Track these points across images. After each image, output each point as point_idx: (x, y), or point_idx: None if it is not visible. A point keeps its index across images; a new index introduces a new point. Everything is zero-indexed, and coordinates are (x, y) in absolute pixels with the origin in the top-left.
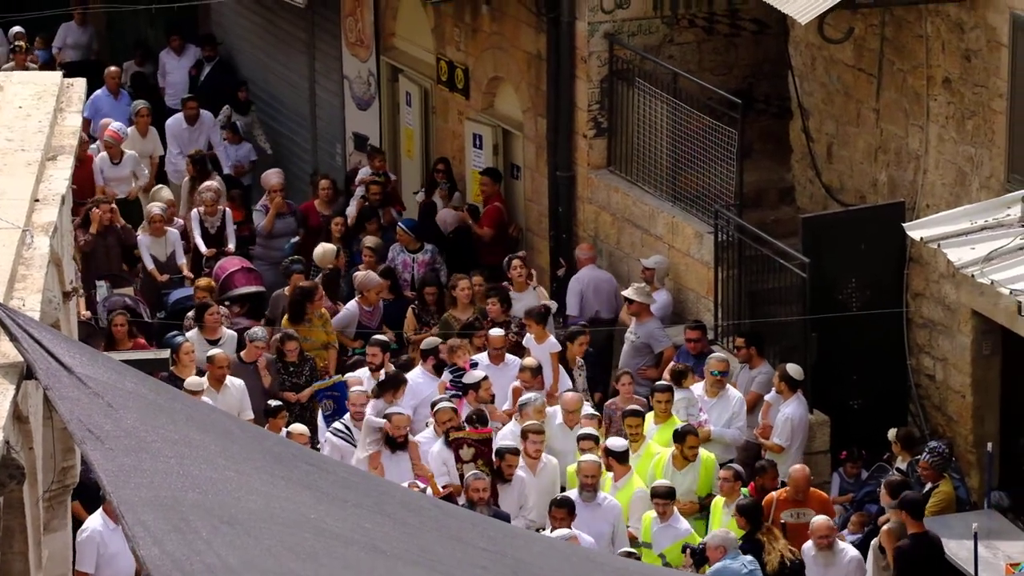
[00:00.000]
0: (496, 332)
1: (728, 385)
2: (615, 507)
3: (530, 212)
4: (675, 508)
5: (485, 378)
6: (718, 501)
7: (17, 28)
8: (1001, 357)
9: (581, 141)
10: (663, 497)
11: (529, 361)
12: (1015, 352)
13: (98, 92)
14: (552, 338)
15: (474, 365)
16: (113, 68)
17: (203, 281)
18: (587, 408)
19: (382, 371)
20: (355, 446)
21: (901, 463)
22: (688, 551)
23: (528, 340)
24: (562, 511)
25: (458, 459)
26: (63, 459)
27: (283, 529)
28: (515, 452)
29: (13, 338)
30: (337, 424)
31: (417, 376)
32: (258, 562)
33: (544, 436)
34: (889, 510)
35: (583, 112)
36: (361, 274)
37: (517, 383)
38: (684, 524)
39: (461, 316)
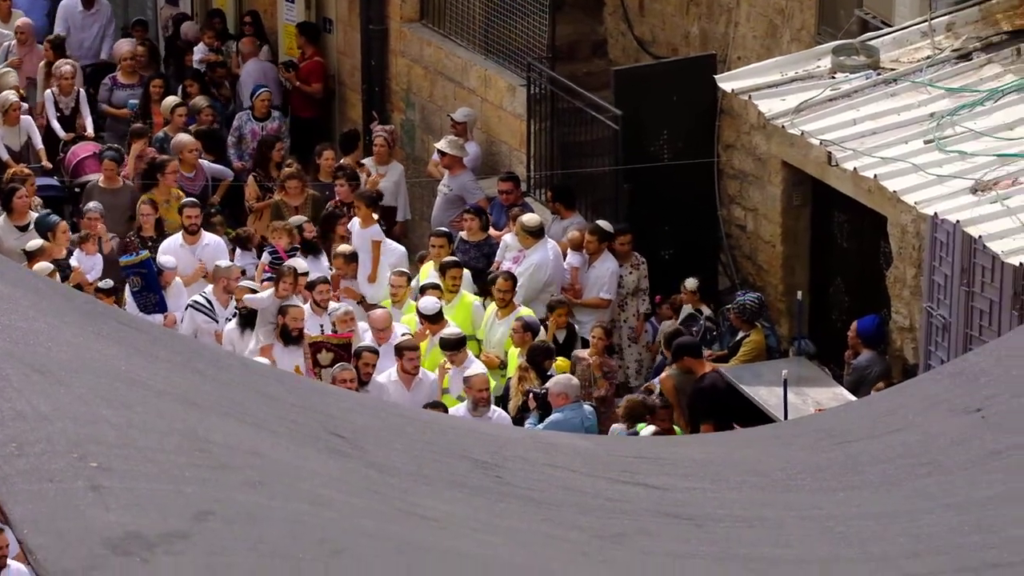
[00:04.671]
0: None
1: (546, 237)
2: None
3: (343, 66)
4: (468, 353)
5: (305, 273)
6: (514, 352)
7: None
8: (811, 208)
9: None
10: (452, 348)
11: (344, 248)
12: (824, 203)
13: None
14: (376, 227)
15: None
16: None
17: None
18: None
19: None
20: (216, 321)
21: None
22: (531, 395)
23: (353, 224)
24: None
25: (316, 364)
26: None
27: (95, 379)
28: (373, 351)
29: None
30: (198, 298)
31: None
32: (70, 409)
33: (420, 351)
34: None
35: None
36: (176, 136)
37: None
38: (477, 365)
39: (292, 203)
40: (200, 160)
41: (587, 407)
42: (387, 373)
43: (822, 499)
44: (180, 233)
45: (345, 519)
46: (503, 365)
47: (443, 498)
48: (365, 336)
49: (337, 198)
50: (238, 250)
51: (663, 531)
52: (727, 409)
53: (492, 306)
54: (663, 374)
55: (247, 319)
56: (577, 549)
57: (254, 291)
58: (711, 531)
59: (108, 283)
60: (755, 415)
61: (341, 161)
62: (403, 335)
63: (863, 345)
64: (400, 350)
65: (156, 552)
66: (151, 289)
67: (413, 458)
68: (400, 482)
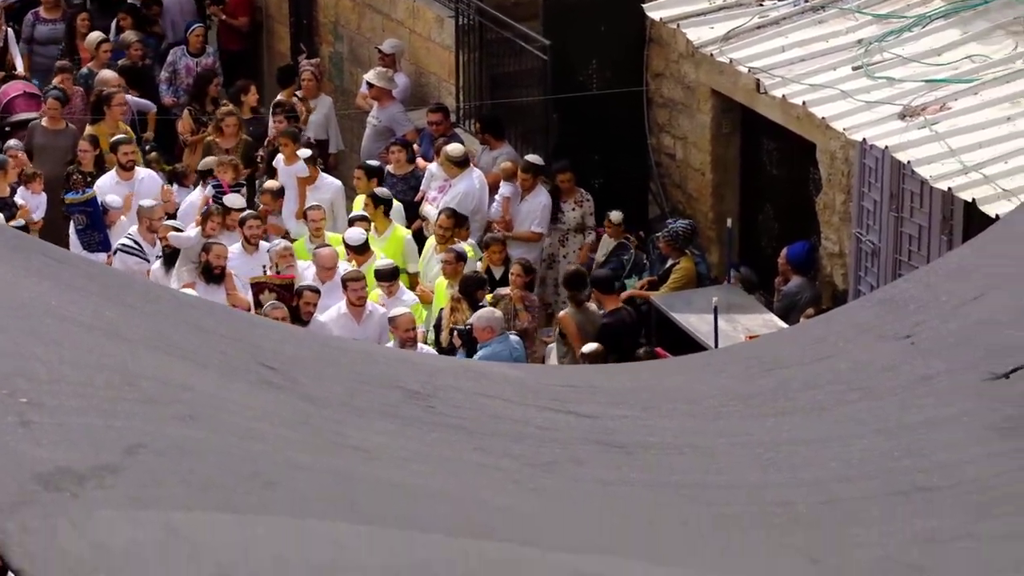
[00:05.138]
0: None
1: (471, 166)
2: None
3: None
4: (400, 284)
5: (241, 209)
6: (441, 282)
7: None
8: (740, 135)
9: None
10: (386, 279)
11: (270, 184)
12: (753, 130)
13: None
14: (302, 162)
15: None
16: None
17: None
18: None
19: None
20: (148, 261)
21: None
22: (456, 333)
23: (277, 160)
24: None
25: (258, 304)
26: None
27: (24, 314)
28: (314, 290)
29: None
30: (125, 240)
31: (195, 197)
32: None
33: (365, 282)
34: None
35: None
36: (99, 72)
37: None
38: (409, 296)
39: (224, 144)
40: (126, 96)
41: (513, 338)
42: (335, 308)
43: (752, 426)
44: (115, 169)
45: (277, 451)
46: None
47: (375, 429)
48: (307, 274)
49: (271, 135)
50: (175, 186)
51: (594, 459)
52: (634, 346)
53: (431, 240)
54: (560, 312)
55: (171, 258)
56: (508, 478)
57: (179, 230)
58: (642, 459)
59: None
60: (686, 343)
61: (278, 97)
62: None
63: (793, 271)
64: (345, 282)
65: (87, 486)
66: (96, 228)
67: (345, 389)
68: (332, 413)
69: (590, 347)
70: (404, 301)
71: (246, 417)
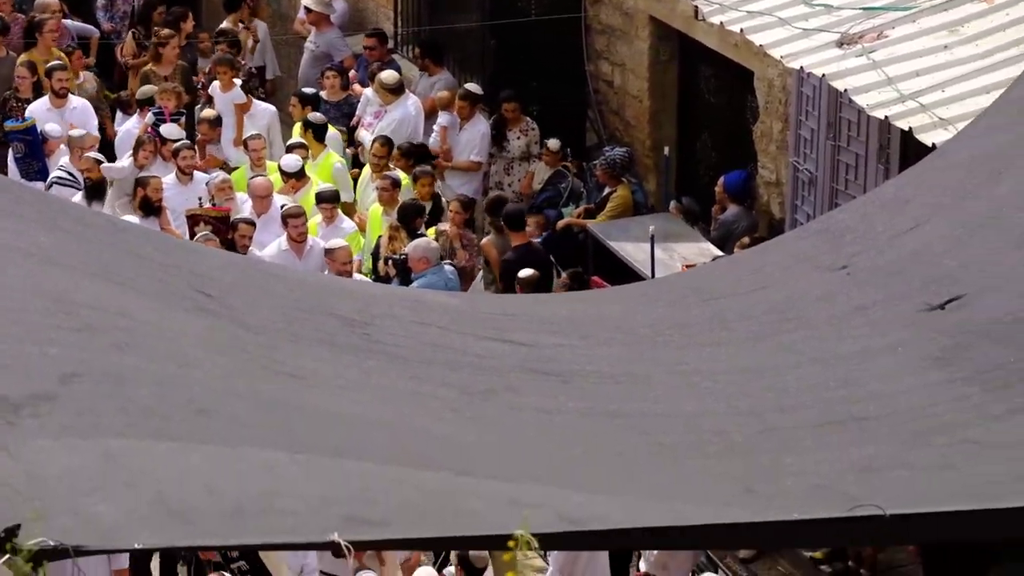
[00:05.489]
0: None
1: (407, 93)
2: None
3: None
4: (339, 211)
5: (177, 140)
6: (376, 209)
7: None
8: (678, 62)
9: None
10: (328, 201)
11: (207, 112)
12: (691, 57)
13: None
14: (238, 89)
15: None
16: None
17: None
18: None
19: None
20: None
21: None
22: (391, 262)
23: (214, 88)
24: None
25: (192, 235)
26: None
27: None
28: (250, 223)
29: None
30: (59, 172)
31: (132, 126)
32: None
33: (305, 218)
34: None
35: None
36: None
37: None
38: (348, 223)
39: (161, 72)
40: (64, 20)
41: (448, 268)
42: (276, 243)
43: (689, 355)
44: (48, 96)
45: (212, 379)
46: None
47: (311, 356)
48: (244, 207)
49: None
50: (119, 114)
51: (531, 387)
52: (531, 286)
53: (367, 169)
54: (484, 240)
55: (93, 191)
56: (445, 406)
57: (100, 161)
58: (578, 387)
59: None
60: (623, 271)
61: (223, 24)
62: (282, 207)
63: (730, 200)
64: (285, 218)
65: (22, 414)
66: (35, 156)
67: (281, 316)
68: (268, 340)
69: (525, 273)
70: (343, 229)
71: (182, 344)
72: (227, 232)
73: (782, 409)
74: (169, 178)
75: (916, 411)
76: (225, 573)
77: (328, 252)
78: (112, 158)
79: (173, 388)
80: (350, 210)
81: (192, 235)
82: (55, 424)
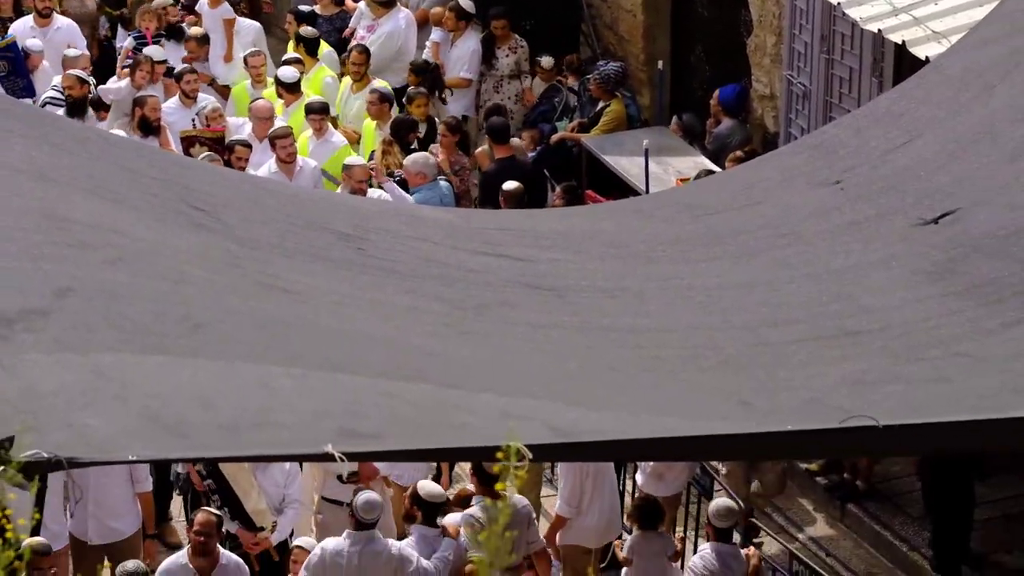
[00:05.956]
0: None
1: (398, 6)
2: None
3: None
4: (329, 124)
5: (163, 61)
6: (369, 124)
7: None
8: None
9: None
10: (317, 112)
11: (195, 30)
12: None
13: None
14: (226, 4)
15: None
16: None
17: None
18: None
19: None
20: None
21: (574, 84)
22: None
23: (201, 4)
24: None
25: (188, 157)
26: None
27: None
28: (245, 144)
29: None
30: (51, 92)
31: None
32: None
33: (293, 138)
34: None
35: None
36: None
37: None
38: (338, 137)
39: None
40: None
41: (443, 183)
42: (266, 166)
43: (683, 270)
44: (32, 15)
45: (206, 295)
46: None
47: (305, 271)
48: (244, 129)
49: None
50: (119, 29)
51: (525, 302)
52: (515, 199)
53: (347, 80)
54: (478, 149)
55: (75, 108)
56: (439, 320)
57: (83, 80)
58: (573, 302)
59: None
60: (617, 185)
61: None
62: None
63: (724, 113)
64: (273, 139)
65: (15, 329)
66: (19, 74)
67: (275, 231)
68: (262, 256)
69: (510, 185)
70: (333, 143)
71: (176, 261)
72: (223, 153)
73: (776, 324)
74: (172, 101)
75: (909, 325)
76: (210, 508)
77: (346, 168)
78: (107, 76)
79: (166, 304)
80: (336, 124)
81: (188, 156)
82: (48, 339)
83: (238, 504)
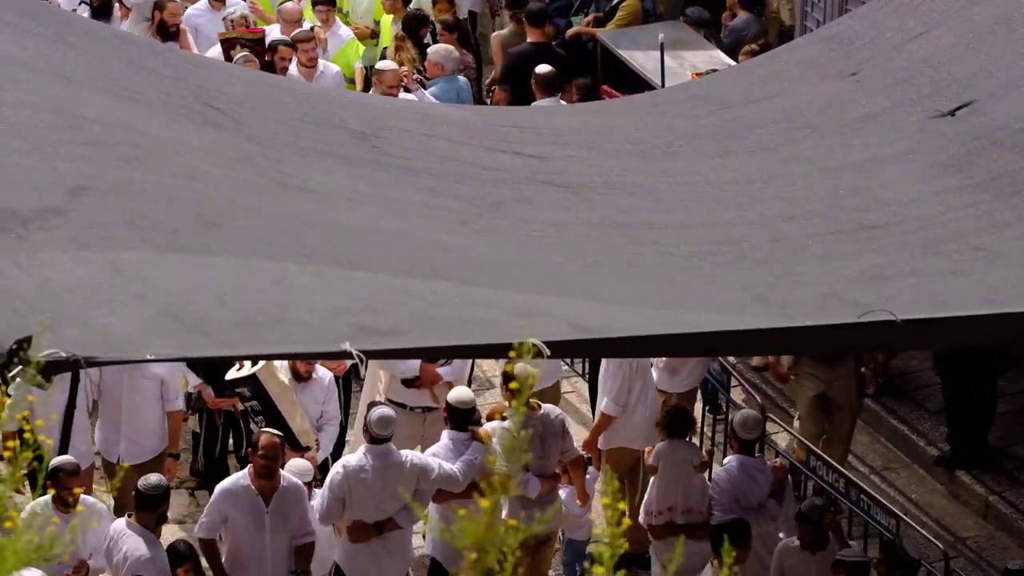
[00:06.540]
0: None
1: None
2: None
3: None
4: (336, 16)
5: None
6: (386, 19)
7: None
8: None
9: None
10: (323, 3)
11: None
12: None
13: None
14: None
15: None
16: None
17: None
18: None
19: None
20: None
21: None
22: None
23: None
24: None
25: (228, 59)
26: None
27: None
28: (288, 44)
29: None
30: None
31: None
32: None
33: (315, 42)
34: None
35: None
36: None
37: None
38: (345, 30)
39: None
40: None
41: (461, 79)
42: (289, 69)
43: (699, 165)
44: None
45: (221, 192)
46: (374, 35)
47: (320, 169)
48: (273, 32)
49: None
50: None
51: (541, 199)
52: (547, 84)
53: None
54: (494, 34)
55: (100, 10)
56: (456, 218)
57: None
58: (589, 198)
59: None
60: (633, 79)
61: None
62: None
63: (740, 7)
64: (295, 42)
65: (31, 227)
66: None
67: (289, 129)
68: (277, 154)
69: (543, 68)
70: (340, 36)
71: (191, 159)
72: (264, 54)
73: (792, 218)
74: (201, 3)
75: (926, 219)
76: (272, 429)
77: (377, 73)
78: None
79: (182, 202)
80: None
81: (228, 59)
82: (64, 237)
83: (283, 425)
